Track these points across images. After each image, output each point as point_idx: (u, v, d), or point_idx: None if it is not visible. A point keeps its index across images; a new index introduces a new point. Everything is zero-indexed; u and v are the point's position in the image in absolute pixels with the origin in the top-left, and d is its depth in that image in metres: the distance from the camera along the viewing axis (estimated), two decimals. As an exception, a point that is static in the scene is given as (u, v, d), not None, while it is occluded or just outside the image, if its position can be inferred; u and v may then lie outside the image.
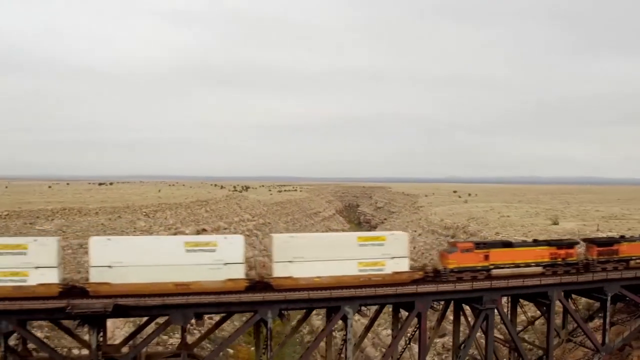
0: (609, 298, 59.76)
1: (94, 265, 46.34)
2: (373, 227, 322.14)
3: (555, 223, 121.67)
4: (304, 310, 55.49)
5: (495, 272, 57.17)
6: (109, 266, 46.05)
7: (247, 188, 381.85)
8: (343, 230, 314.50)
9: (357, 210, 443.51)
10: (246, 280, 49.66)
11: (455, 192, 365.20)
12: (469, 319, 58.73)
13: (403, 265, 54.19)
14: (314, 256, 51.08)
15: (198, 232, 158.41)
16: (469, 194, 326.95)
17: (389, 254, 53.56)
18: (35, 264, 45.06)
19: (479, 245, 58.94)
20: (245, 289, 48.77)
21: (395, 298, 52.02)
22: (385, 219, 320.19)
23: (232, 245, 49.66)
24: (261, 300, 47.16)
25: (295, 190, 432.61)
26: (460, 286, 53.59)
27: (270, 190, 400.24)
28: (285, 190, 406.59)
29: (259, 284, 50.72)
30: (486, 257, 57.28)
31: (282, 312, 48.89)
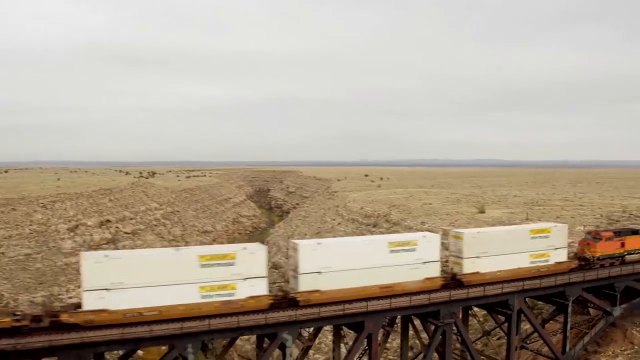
0: (570, 302, 54.38)
1: (304, 272, 43.80)
2: (285, 213, 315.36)
3: (482, 211, 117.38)
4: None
5: (628, 257, 60.80)
6: (319, 272, 44.00)
7: (153, 174, 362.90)
8: (254, 216, 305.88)
9: (268, 195, 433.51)
10: (442, 278, 49.81)
11: (366, 175, 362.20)
12: (419, 331, 51.45)
13: (563, 256, 57.01)
14: (496, 251, 52.22)
15: (101, 224, 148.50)
16: (381, 178, 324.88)
17: (553, 245, 56.15)
18: (245, 275, 41.34)
19: (616, 233, 61.54)
20: (440, 287, 48.83)
21: (343, 319, 43.69)
22: (297, 204, 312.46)
23: (431, 243, 49.37)
24: (178, 332, 37.23)
25: (204, 175, 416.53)
26: (417, 300, 45.98)
27: (178, 176, 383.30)
28: (193, 176, 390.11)
29: (453, 281, 50.45)
30: (622, 245, 60.83)
31: (205, 343, 39.30)
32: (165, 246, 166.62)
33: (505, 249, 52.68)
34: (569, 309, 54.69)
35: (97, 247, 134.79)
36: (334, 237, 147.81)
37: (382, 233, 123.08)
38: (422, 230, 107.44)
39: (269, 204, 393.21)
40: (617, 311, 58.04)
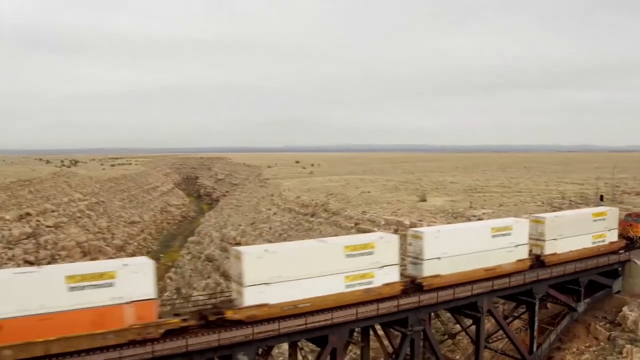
0: (537, 301, 51.57)
1: (428, 258, 46.33)
2: (215, 201, 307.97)
3: (424, 200, 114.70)
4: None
5: None
6: (439, 258, 46.66)
7: (76, 163, 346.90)
8: (183, 205, 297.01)
9: (196, 182, 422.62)
10: (530, 259, 54.01)
11: (297, 162, 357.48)
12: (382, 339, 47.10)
13: (614, 236, 62.31)
14: (568, 233, 56.72)
15: (21, 217, 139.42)
16: (312, 164, 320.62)
17: (608, 227, 61.33)
18: (382, 263, 43.25)
19: None
20: (529, 267, 53.13)
21: (305, 334, 38.75)
22: (227, 192, 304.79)
23: (522, 228, 53.14)
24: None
25: (130, 163, 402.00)
26: (384, 308, 41.52)
27: (102, 164, 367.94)
28: (119, 164, 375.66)
29: (537, 262, 54.70)
30: None
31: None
32: (91, 239, 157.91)
33: (574, 231, 57.47)
34: (537, 307, 52.07)
35: (17, 242, 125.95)
36: (270, 227, 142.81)
37: (320, 223, 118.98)
38: (363, 221, 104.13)
39: (198, 192, 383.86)
40: (581, 306, 56.15)
